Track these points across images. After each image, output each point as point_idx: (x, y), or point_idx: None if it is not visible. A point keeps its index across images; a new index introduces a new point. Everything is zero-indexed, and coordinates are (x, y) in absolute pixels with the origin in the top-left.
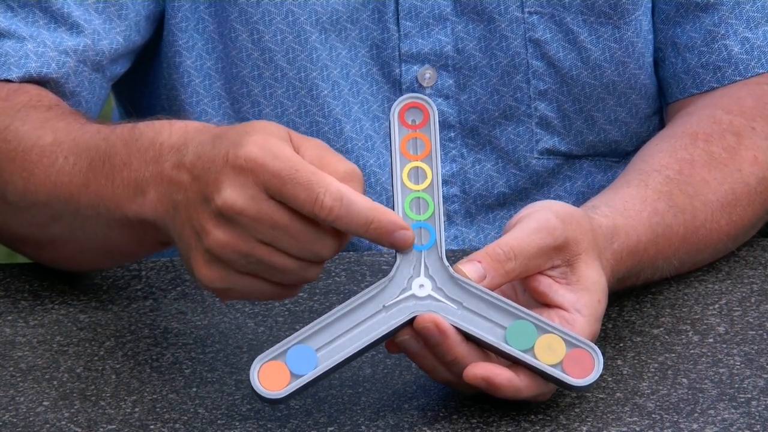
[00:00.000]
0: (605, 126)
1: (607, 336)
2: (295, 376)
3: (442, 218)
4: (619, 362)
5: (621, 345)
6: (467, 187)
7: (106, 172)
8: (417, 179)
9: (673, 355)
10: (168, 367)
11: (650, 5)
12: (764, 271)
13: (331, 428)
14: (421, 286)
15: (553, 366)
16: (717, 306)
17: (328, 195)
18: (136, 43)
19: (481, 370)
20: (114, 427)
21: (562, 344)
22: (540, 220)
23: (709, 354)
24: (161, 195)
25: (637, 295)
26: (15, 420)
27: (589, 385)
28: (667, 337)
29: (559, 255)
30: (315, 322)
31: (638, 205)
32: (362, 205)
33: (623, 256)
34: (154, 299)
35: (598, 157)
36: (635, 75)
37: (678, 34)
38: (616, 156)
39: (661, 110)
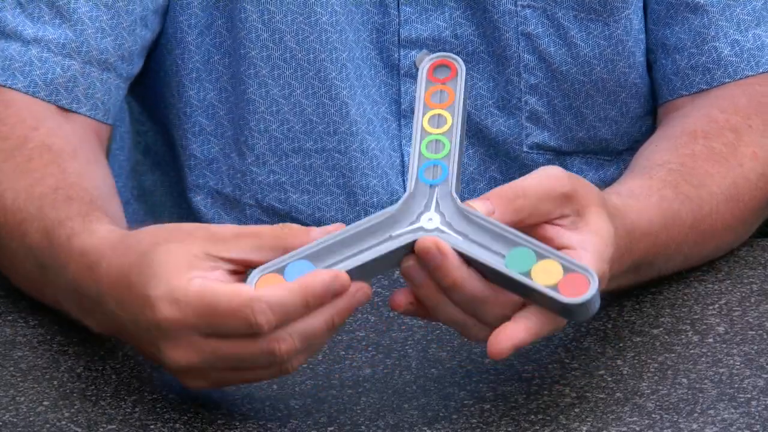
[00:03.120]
0: (595, 123)
1: (607, 336)
2: None
3: (459, 158)
4: (619, 362)
5: (621, 345)
6: (461, 170)
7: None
8: (437, 124)
9: (673, 355)
10: None
11: (641, 5)
12: (764, 271)
13: (331, 428)
14: (430, 219)
15: (548, 287)
16: (717, 306)
17: (258, 314)
18: (145, 37)
19: (506, 341)
20: (114, 426)
21: (559, 268)
22: (548, 170)
23: (708, 354)
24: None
25: (637, 295)
26: (15, 420)
27: (582, 304)
28: (666, 337)
29: (568, 204)
30: (318, 240)
31: (645, 191)
32: (294, 299)
33: (637, 236)
34: None
35: (589, 154)
36: (625, 74)
37: (667, 36)
38: (607, 154)
39: (654, 111)
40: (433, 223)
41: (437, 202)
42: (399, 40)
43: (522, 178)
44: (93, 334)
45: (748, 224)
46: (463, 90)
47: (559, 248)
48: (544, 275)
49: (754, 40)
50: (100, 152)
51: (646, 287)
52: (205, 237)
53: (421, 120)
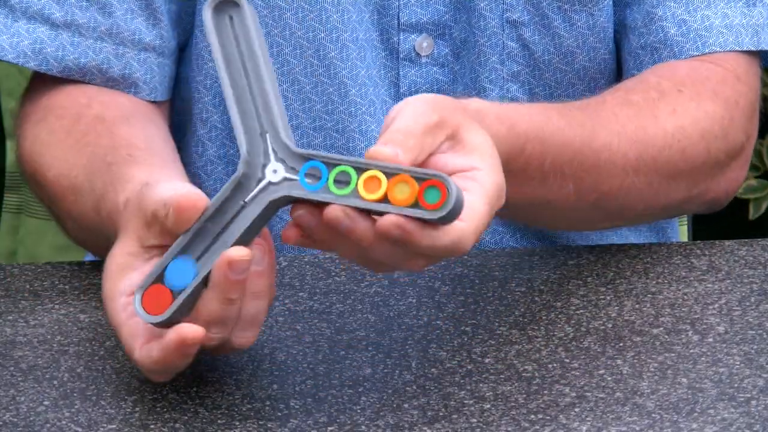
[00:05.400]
0: None
1: (607, 336)
2: (177, 292)
3: (277, 100)
4: (619, 362)
5: (621, 345)
6: None
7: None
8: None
9: (673, 354)
10: None
11: None
12: (764, 270)
13: (332, 428)
14: (275, 171)
15: (409, 207)
16: (717, 306)
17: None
18: (172, 11)
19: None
20: (114, 426)
21: (413, 182)
22: (412, 109)
23: (708, 354)
24: None
25: (637, 295)
26: (16, 420)
27: (446, 215)
28: (666, 336)
29: (442, 130)
30: (183, 235)
31: (528, 108)
32: (172, 355)
33: (509, 142)
34: None
35: None
36: (605, 60)
37: (626, 16)
38: None
39: None
40: (278, 174)
41: (274, 150)
42: (399, 23)
43: (396, 120)
44: (93, 333)
45: (662, 177)
46: (254, 30)
47: (452, 173)
48: (401, 193)
49: (702, 21)
50: (157, 116)
51: (646, 287)
52: (137, 228)
53: (225, 74)
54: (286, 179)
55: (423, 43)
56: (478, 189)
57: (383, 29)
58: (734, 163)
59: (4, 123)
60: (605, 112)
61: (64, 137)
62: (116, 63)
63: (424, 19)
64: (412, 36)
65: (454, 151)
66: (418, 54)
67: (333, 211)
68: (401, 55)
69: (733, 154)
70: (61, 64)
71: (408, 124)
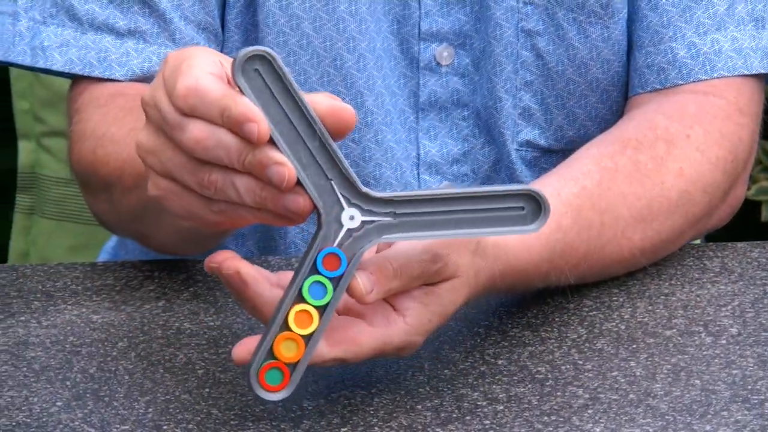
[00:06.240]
0: (586, 122)
1: (620, 337)
2: (290, 365)
3: (333, 147)
4: (632, 363)
5: (634, 346)
6: (476, 168)
7: None
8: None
9: (686, 356)
10: (181, 368)
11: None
12: None
13: (345, 429)
14: (351, 217)
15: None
16: (730, 307)
17: (180, 83)
18: (219, 15)
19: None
20: (127, 427)
21: (302, 345)
22: (439, 247)
23: (722, 355)
24: None
25: (650, 297)
26: (29, 420)
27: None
28: (680, 338)
29: (434, 276)
30: (279, 311)
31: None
32: (215, 93)
33: (504, 276)
34: (166, 300)
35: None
36: (618, 72)
37: (632, 32)
38: None
39: None
40: (355, 220)
41: (345, 197)
42: (419, 32)
43: (402, 249)
44: (106, 334)
45: (666, 242)
46: (287, 77)
47: (392, 304)
48: (287, 350)
49: (711, 44)
50: None
51: (659, 288)
52: None
53: (276, 133)
54: (364, 222)
55: (443, 53)
56: (377, 333)
57: (403, 39)
58: (732, 191)
59: (15, 124)
60: (614, 194)
61: (136, 117)
62: None
63: (445, 28)
64: (433, 45)
65: (423, 290)
66: (438, 63)
67: (236, 270)
68: (421, 65)
69: (734, 184)
70: (123, 68)
71: (407, 262)
